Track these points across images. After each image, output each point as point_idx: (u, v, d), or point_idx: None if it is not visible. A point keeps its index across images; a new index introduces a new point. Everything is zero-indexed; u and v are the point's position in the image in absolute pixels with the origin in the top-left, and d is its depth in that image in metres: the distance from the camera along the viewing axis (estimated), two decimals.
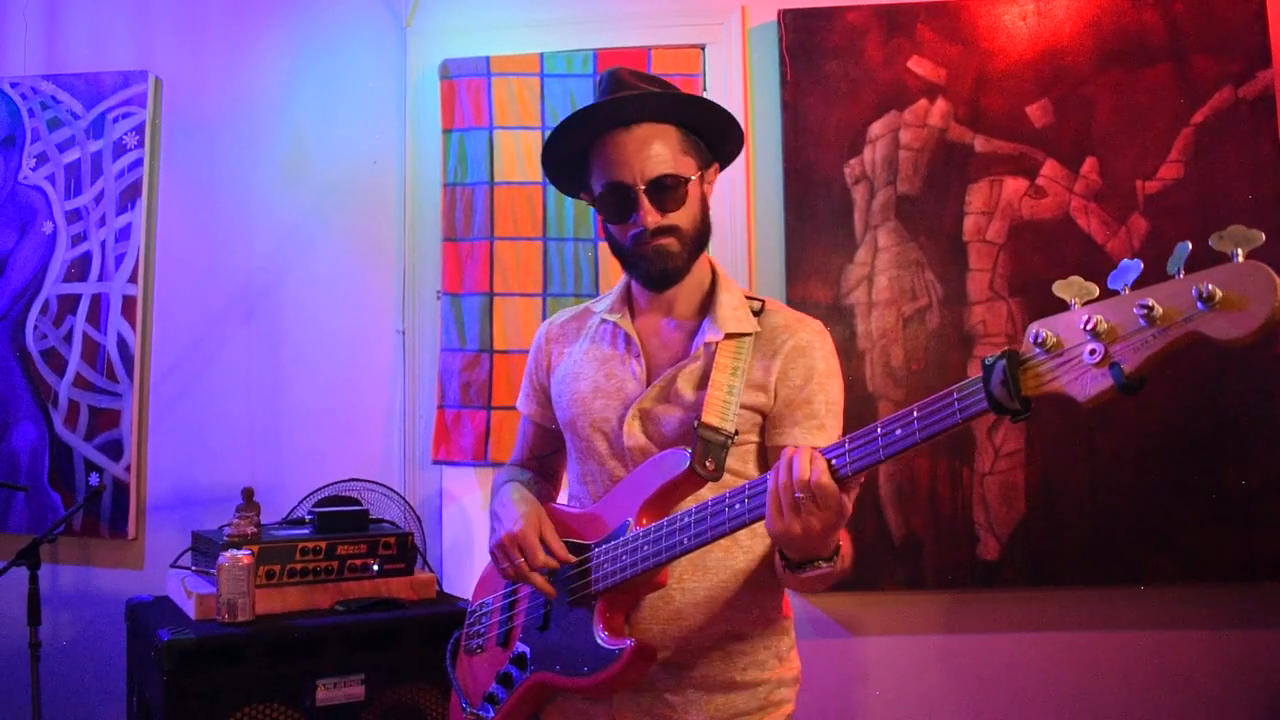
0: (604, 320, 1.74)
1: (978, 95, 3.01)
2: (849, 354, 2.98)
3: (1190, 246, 1.01)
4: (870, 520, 2.94)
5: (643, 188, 1.57)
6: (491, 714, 1.65)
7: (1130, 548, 2.89)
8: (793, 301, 3.00)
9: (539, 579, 1.58)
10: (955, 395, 1.17)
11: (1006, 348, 1.13)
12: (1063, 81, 3.00)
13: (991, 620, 2.99)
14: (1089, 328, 1.05)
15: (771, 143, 3.10)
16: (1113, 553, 2.89)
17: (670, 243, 1.60)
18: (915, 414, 1.21)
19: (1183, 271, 1.01)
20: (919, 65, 3.03)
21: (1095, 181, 2.96)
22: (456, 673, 1.79)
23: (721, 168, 1.74)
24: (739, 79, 3.13)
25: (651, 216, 1.57)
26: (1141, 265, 1.05)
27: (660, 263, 1.60)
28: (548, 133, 1.69)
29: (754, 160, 3.12)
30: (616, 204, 1.61)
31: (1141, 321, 1.02)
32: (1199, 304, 0.98)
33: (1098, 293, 1.08)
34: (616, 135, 1.59)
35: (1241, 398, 2.88)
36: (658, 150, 1.58)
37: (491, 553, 1.66)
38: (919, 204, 3.01)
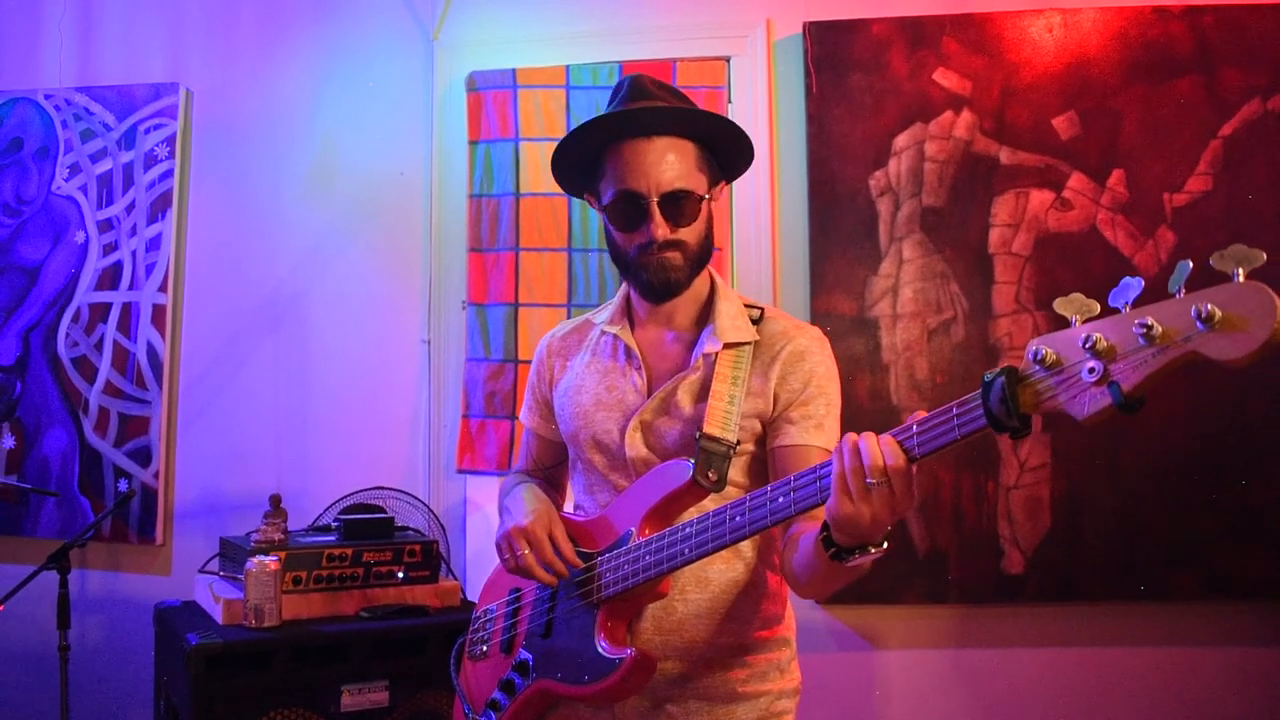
0: (604, 332, 1.75)
1: (1003, 107, 3.01)
2: (873, 367, 2.98)
3: (1191, 265, 0.99)
4: (893, 532, 2.92)
5: (656, 199, 1.58)
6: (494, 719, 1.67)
7: (1155, 563, 2.87)
8: (817, 314, 3.00)
9: (541, 571, 1.58)
10: (955, 411, 1.17)
11: (1006, 365, 1.12)
12: (1089, 94, 2.98)
13: (1014, 635, 2.97)
14: (1088, 345, 1.04)
15: (796, 155, 3.11)
16: (1137, 568, 2.88)
17: (675, 256, 1.60)
18: (915, 429, 1.21)
19: (1183, 290, 1.00)
20: (944, 77, 3.03)
21: (1122, 194, 2.95)
22: (460, 678, 1.81)
23: (727, 184, 1.74)
24: (764, 91, 3.14)
25: (662, 230, 1.58)
26: (1143, 283, 1.03)
27: (663, 275, 1.61)
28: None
29: (778, 173, 3.13)
30: (627, 212, 1.61)
31: (1141, 340, 1.01)
32: (1198, 324, 0.96)
33: (1098, 310, 1.07)
34: (635, 143, 1.60)
35: (1267, 413, 2.85)
36: (674, 164, 1.59)
37: (497, 544, 1.66)
38: (944, 216, 3.01)
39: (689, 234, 1.61)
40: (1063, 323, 1.09)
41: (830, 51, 3.07)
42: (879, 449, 1.23)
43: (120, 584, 3.39)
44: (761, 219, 3.11)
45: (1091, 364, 1.05)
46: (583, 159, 1.69)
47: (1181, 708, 2.91)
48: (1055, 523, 2.91)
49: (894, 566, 2.92)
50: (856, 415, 2.78)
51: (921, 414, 1.22)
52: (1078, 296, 1.08)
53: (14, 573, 2.71)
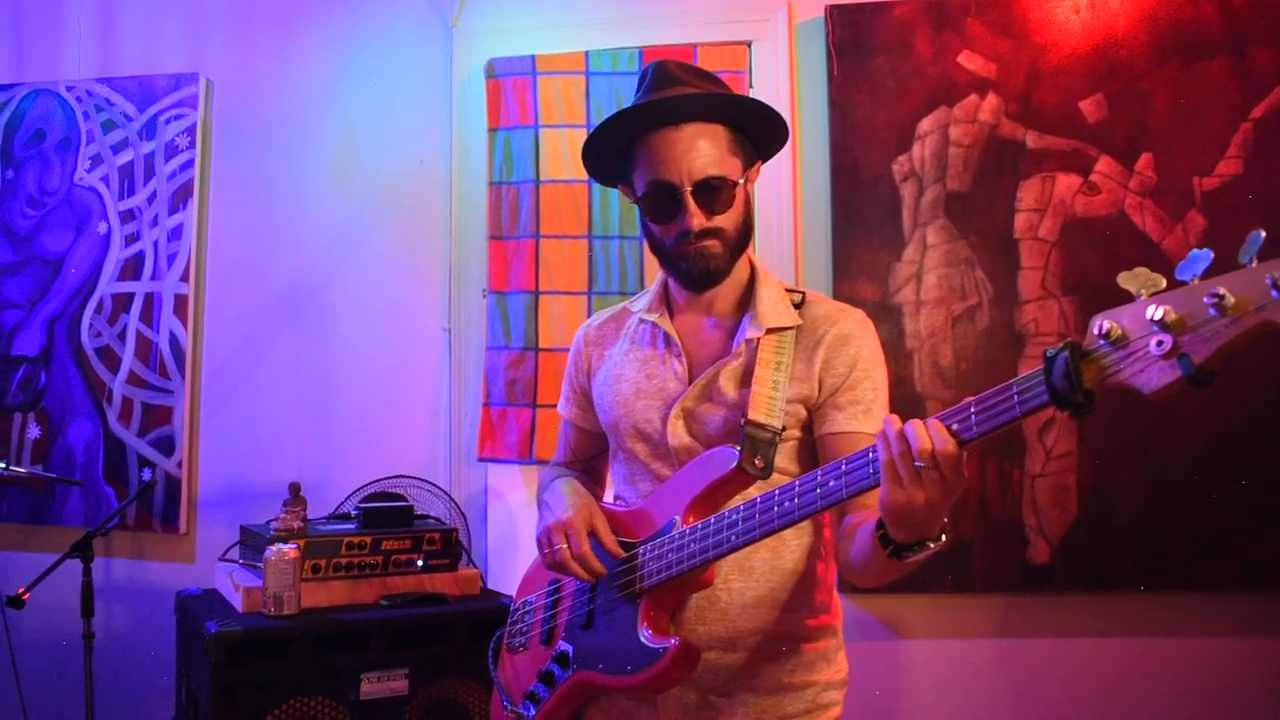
0: (642, 320, 1.72)
1: (1029, 90, 2.96)
2: (897, 353, 2.95)
3: (1264, 235, 0.97)
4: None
5: (689, 188, 1.55)
6: (533, 712, 1.64)
7: (1184, 553, 2.82)
8: (839, 299, 2.95)
9: (578, 567, 1.56)
10: (1015, 389, 1.14)
11: (1070, 339, 1.10)
12: (1117, 76, 2.93)
13: (1040, 625, 2.94)
14: (1156, 319, 1.02)
15: (818, 140, 3.07)
16: (1166, 558, 2.83)
17: (714, 245, 1.58)
18: (973, 408, 1.19)
19: (1255, 260, 0.97)
20: (969, 60, 2.99)
21: (1151, 178, 2.90)
22: (498, 671, 1.79)
23: (762, 163, 1.71)
24: (785, 76, 3.10)
25: (697, 219, 1.55)
26: (1211, 255, 1.01)
27: (703, 264, 1.58)
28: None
29: (800, 158, 3.10)
30: (661, 204, 1.58)
31: (1212, 311, 0.98)
32: (1273, 292, 0.94)
33: (1164, 285, 1.05)
34: (665, 133, 1.57)
35: None
36: (706, 151, 1.56)
37: (537, 540, 1.64)
38: (969, 201, 2.97)
39: (726, 220, 1.58)
40: (1121, 300, 1.07)
41: (853, 35, 3.03)
42: (926, 433, 1.21)
43: (145, 572, 3.40)
44: (783, 205, 3.08)
45: (1160, 337, 1.02)
46: (613, 151, 1.66)
47: (1210, 699, 2.87)
48: (1082, 512, 2.87)
49: None
50: None
51: (971, 398, 1.20)
52: (1142, 271, 1.06)
53: (41, 561, 2.72)
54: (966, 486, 1.26)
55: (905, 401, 2.89)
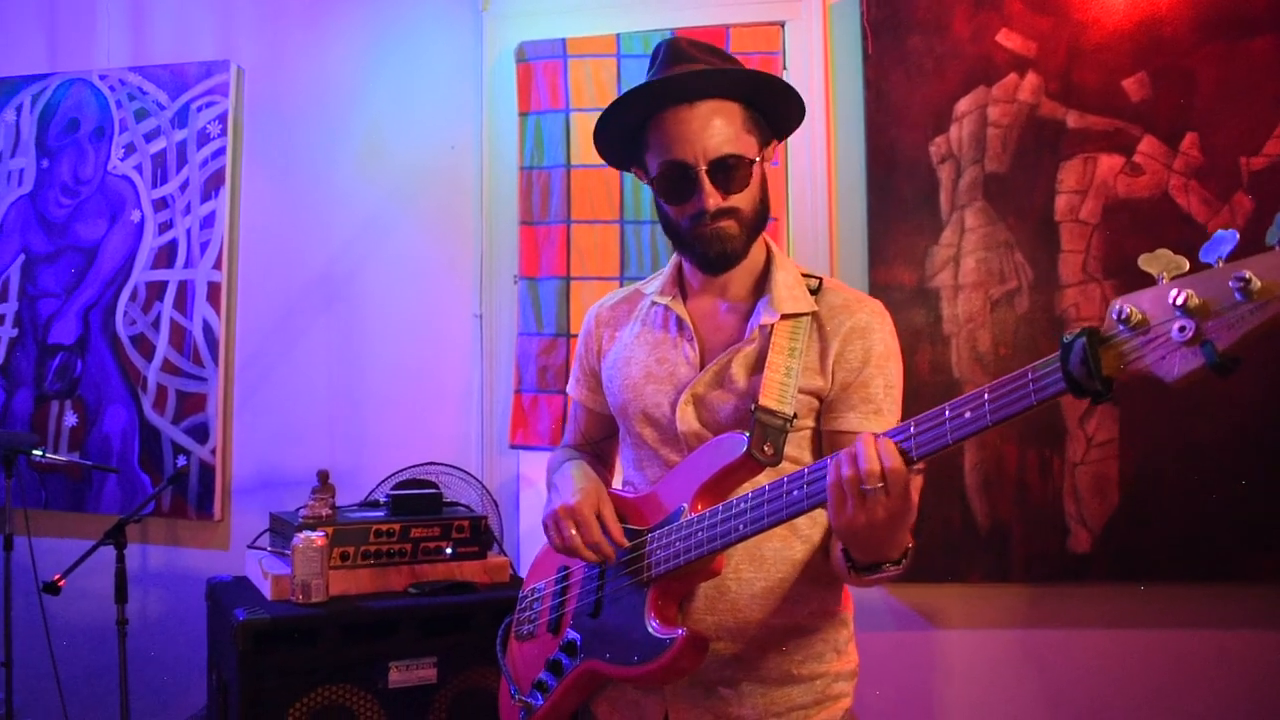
0: (655, 303, 1.69)
1: (1070, 69, 2.89)
2: (934, 339, 2.90)
3: None
4: (955, 509, 2.86)
5: (704, 168, 1.51)
6: (541, 702, 1.62)
7: (1229, 543, 2.76)
8: (876, 285, 2.92)
9: (588, 552, 1.53)
10: (1030, 375, 1.10)
11: (1086, 325, 1.05)
12: (1161, 53, 2.85)
13: (1081, 615, 2.88)
14: (1179, 303, 0.97)
15: (853, 122, 3.02)
16: (1210, 548, 2.76)
17: (730, 225, 1.54)
18: (987, 395, 1.14)
19: None
20: (1008, 38, 2.92)
21: (1196, 158, 2.82)
22: (506, 659, 1.77)
23: (779, 142, 1.66)
24: (819, 56, 3.05)
25: (713, 199, 1.51)
26: (1237, 236, 0.96)
27: (719, 246, 1.55)
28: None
29: (835, 140, 3.04)
30: (675, 184, 1.55)
31: (1238, 296, 0.93)
32: None
33: (1187, 267, 1.00)
34: (678, 111, 1.52)
35: None
36: (721, 128, 1.51)
37: (544, 524, 1.61)
38: (1008, 183, 2.91)
39: (742, 200, 1.54)
40: (1147, 281, 1.02)
41: (888, 14, 2.97)
42: (874, 455, 1.21)
43: (180, 559, 3.43)
44: (818, 188, 3.03)
45: (1182, 322, 0.97)
46: (624, 132, 1.62)
47: (1253, 692, 2.81)
48: (1124, 501, 2.81)
49: (955, 543, 2.85)
50: (917, 389, 2.70)
51: (980, 389, 1.17)
52: (1164, 253, 1.01)
53: (79, 548, 2.73)
54: (912, 514, 1.27)
55: (943, 388, 2.84)
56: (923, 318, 2.90)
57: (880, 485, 1.19)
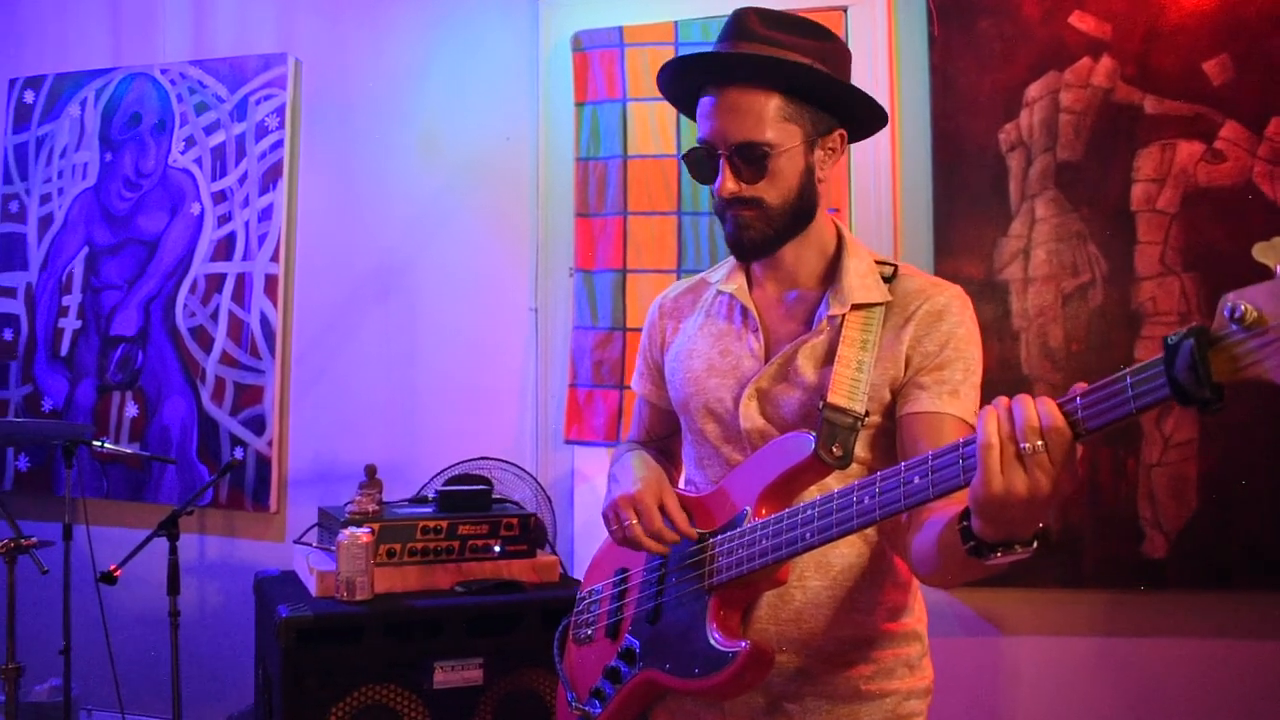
0: (720, 292, 1.61)
1: (1147, 51, 2.77)
2: (1002, 334, 2.80)
3: None
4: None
5: (725, 153, 1.44)
6: (599, 710, 1.55)
7: None
8: (941, 277, 2.81)
9: (650, 541, 1.45)
10: (1129, 380, 0.97)
11: (1195, 324, 0.93)
12: (1244, 34, 2.72)
13: (1156, 624, 2.76)
14: None
15: (919, 109, 2.93)
16: None
17: (749, 215, 1.46)
18: (1079, 400, 1.03)
19: None
20: (1081, 20, 2.80)
21: None
22: (564, 664, 1.70)
23: (859, 131, 1.56)
24: (884, 42, 2.96)
25: (729, 185, 1.44)
26: None
27: (737, 233, 1.47)
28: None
29: (900, 128, 2.95)
30: (698, 165, 1.49)
31: None
32: None
33: None
34: (714, 91, 1.46)
35: None
36: (750, 115, 1.43)
37: (604, 515, 1.54)
38: (1081, 171, 2.80)
39: (766, 190, 1.45)
40: (1261, 274, 0.91)
41: None
42: (1034, 409, 1.05)
43: (236, 550, 3.44)
44: (882, 178, 2.94)
45: None
46: (686, 96, 1.56)
47: None
48: (1203, 504, 2.69)
49: None
50: (984, 386, 2.60)
51: (1083, 385, 1.04)
52: None
53: (138, 538, 2.74)
54: (1077, 488, 1.09)
55: (1011, 385, 2.74)
56: (991, 312, 2.80)
57: (1040, 444, 1.05)
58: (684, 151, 1.54)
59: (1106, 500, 2.73)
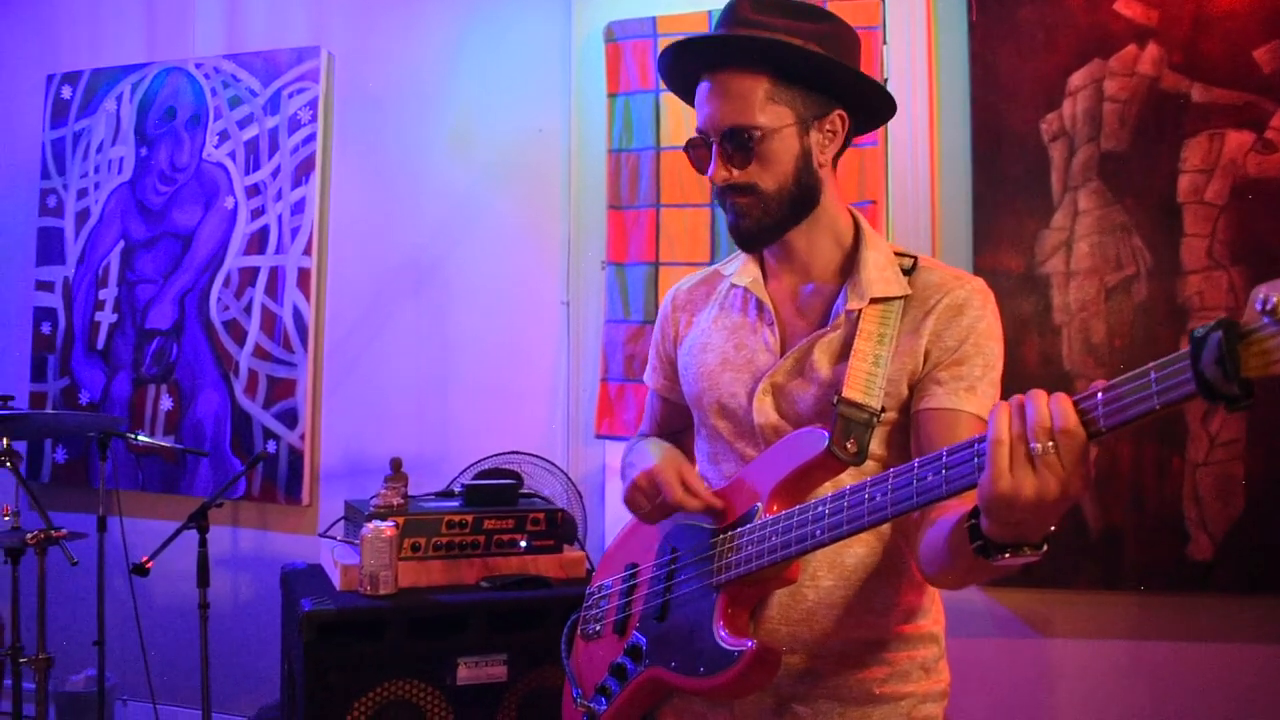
0: (734, 285, 1.57)
1: (1195, 38, 2.69)
2: (1043, 329, 2.73)
3: None
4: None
5: (716, 139, 1.42)
6: (604, 707, 1.52)
7: None
8: (981, 271, 2.76)
9: (688, 498, 1.42)
10: (1153, 375, 0.93)
11: (1222, 317, 0.88)
12: None
13: (1200, 628, 2.69)
14: None
15: (958, 98, 2.87)
16: None
17: (744, 202, 1.43)
18: (1100, 396, 0.99)
19: None
20: (1126, 7, 2.73)
21: None
22: (571, 659, 1.68)
23: (870, 119, 1.52)
24: (922, 28, 2.90)
25: (720, 172, 1.42)
26: None
27: (734, 221, 1.45)
28: None
29: (938, 117, 2.89)
30: (697, 153, 1.47)
31: None
32: None
33: None
34: (709, 77, 1.44)
35: None
36: (738, 99, 1.40)
37: (626, 499, 1.52)
38: (1126, 162, 2.73)
39: (759, 175, 1.42)
40: None
41: None
42: (1047, 408, 1.02)
43: (269, 543, 3.45)
44: (920, 168, 2.89)
45: None
46: (684, 90, 1.55)
47: None
48: (1250, 505, 2.61)
49: (1064, 547, 2.68)
50: (1024, 382, 2.53)
51: (1103, 382, 1.00)
52: None
53: (171, 530, 2.75)
54: (1088, 489, 1.05)
55: (1052, 381, 2.67)
56: (1031, 306, 2.74)
57: (1051, 445, 1.02)
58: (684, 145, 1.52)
59: (1150, 500, 2.66)
